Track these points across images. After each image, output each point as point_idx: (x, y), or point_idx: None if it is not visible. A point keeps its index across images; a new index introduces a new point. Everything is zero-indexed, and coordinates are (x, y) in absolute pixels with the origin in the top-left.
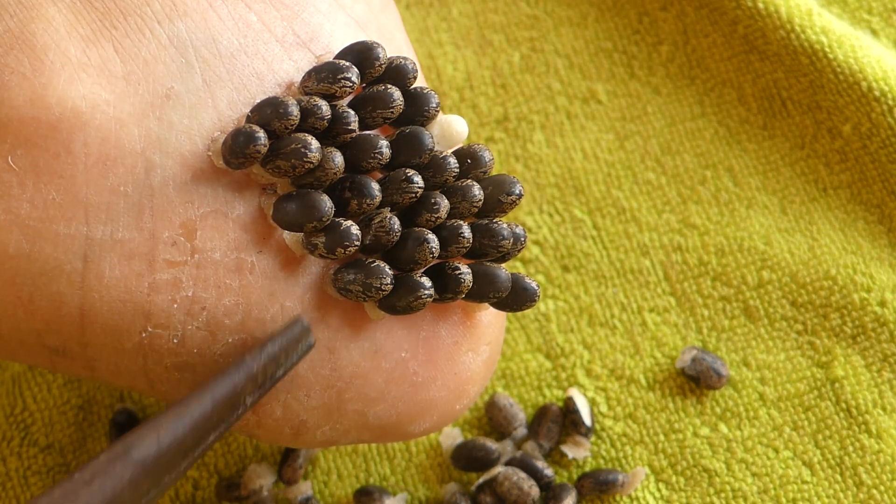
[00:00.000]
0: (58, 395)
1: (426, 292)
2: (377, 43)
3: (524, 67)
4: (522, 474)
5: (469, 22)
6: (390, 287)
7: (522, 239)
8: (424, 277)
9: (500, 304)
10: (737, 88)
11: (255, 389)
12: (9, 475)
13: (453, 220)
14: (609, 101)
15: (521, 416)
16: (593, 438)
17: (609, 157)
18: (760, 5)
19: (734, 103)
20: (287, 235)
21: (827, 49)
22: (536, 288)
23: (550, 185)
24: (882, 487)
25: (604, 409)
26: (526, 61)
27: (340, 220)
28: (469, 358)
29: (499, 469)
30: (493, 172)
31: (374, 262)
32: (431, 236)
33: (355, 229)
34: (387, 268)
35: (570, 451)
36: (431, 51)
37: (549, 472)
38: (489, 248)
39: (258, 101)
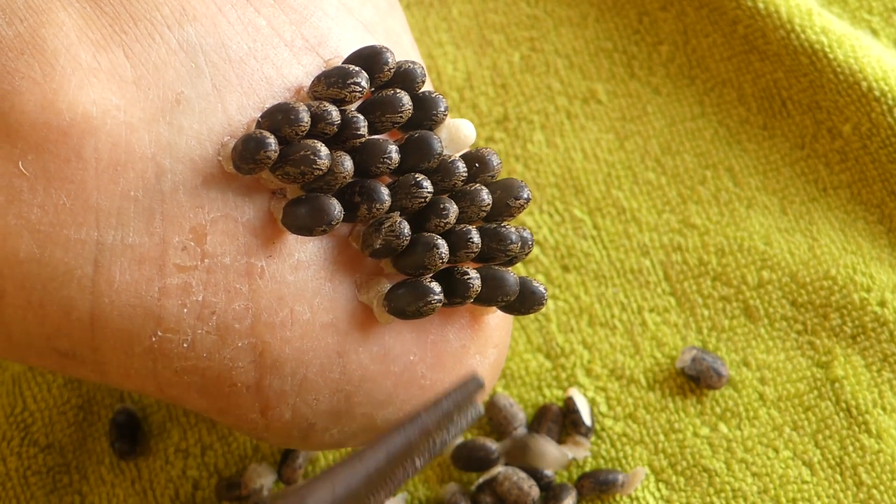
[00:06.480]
0: (58, 395)
1: (436, 297)
2: (386, 47)
3: (524, 67)
4: (522, 474)
5: (469, 22)
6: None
7: (530, 242)
8: (434, 283)
9: (508, 308)
10: (737, 88)
11: (426, 448)
12: (9, 475)
13: (462, 225)
14: (609, 101)
15: (521, 416)
16: (593, 438)
17: (609, 157)
18: (760, 5)
19: (734, 103)
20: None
21: (827, 49)
22: (544, 291)
23: (550, 185)
24: (882, 487)
25: (604, 409)
26: (526, 61)
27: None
28: (476, 361)
29: (499, 469)
30: None
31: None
32: (441, 242)
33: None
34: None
35: (570, 451)
36: (431, 51)
37: (549, 472)
38: (497, 251)
39: (268, 105)
